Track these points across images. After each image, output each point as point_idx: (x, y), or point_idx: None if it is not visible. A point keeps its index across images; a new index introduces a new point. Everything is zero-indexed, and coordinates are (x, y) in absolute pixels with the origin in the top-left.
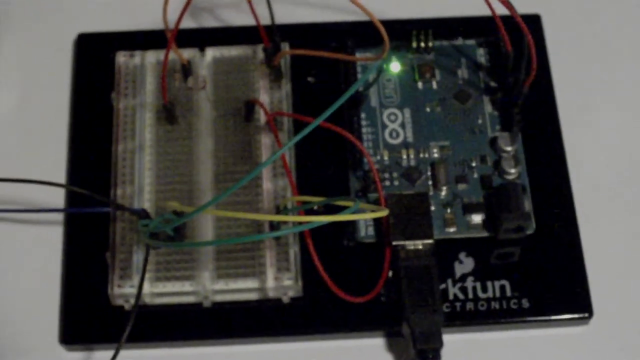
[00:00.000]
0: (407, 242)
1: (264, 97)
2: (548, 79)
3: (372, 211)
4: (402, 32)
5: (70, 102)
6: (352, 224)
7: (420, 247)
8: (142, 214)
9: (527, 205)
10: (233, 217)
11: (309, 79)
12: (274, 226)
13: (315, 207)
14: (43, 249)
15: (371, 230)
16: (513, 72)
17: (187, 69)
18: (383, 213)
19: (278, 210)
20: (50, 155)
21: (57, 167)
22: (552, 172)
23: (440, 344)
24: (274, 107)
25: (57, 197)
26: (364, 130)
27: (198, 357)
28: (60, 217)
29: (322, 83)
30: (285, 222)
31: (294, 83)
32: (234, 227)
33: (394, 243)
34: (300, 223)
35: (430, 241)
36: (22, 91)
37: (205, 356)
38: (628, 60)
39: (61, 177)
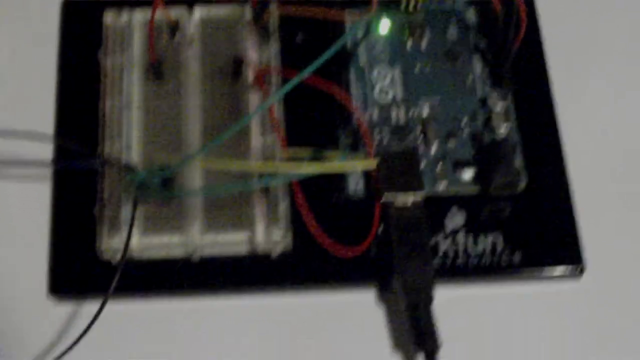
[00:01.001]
0: (397, 196)
1: (252, 56)
2: (537, 37)
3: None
4: None
5: (57, 60)
6: (341, 180)
7: (411, 200)
8: (130, 169)
9: (518, 161)
10: (221, 172)
11: (298, 38)
12: (264, 188)
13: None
14: (31, 204)
15: (360, 186)
16: (503, 31)
17: (174, 28)
18: (372, 163)
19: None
20: (37, 113)
21: (44, 125)
22: (542, 129)
23: (431, 296)
24: (262, 66)
25: (45, 152)
26: (353, 88)
27: (186, 311)
28: (48, 172)
29: (310, 42)
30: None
31: (282, 42)
32: (222, 181)
33: (384, 197)
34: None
35: (420, 194)
36: (9, 49)
37: (193, 309)
38: (620, 17)
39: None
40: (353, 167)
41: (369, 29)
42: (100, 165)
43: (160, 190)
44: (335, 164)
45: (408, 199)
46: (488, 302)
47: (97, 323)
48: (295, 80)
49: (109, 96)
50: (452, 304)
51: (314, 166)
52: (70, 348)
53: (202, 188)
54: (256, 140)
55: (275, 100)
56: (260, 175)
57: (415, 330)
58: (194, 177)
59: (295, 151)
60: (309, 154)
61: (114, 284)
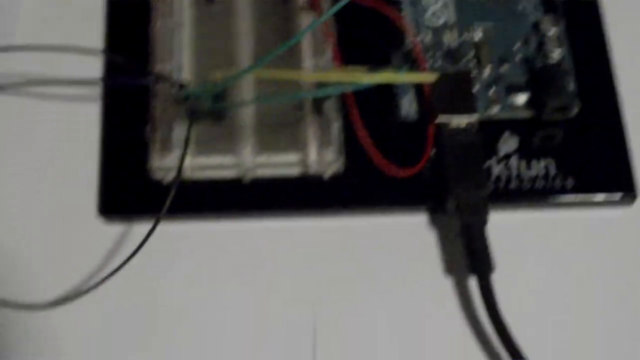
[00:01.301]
0: (451, 118)
1: None
2: None
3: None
4: None
5: None
6: (394, 103)
7: (465, 123)
8: (183, 85)
9: (571, 86)
10: (273, 89)
11: None
12: (317, 108)
13: None
14: (80, 123)
15: (413, 108)
16: None
17: None
18: (431, 77)
19: (320, 84)
20: (87, 29)
21: (94, 41)
22: (594, 55)
23: (486, 217)
24: None
25: (95, 70)
26: (404, 12)
27: (236, 232)
28: (98, 89)
29: None
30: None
31: None
32: (275, 107)
33: (439, 119)
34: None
35: (474, 116)
36: None
37: (244, 231)
38: None
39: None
40: (412, 79)
41: None
42: (153, 82)
43: (212, 105)
44: (393, 74)
45: (462, 121)
46: (540, 227)
47: (147, 244)
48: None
49: (160, 17)
50: (504, 228)
51: (371, 76)
52: (119, 267)
53: (253, 98)
54: (308, 61)
55: (328, 18)
56: (314, 105)
57: (469, 252)
58: (246, 93)
59: (348, 69)
60: (363, 71)
61: (167, 203)
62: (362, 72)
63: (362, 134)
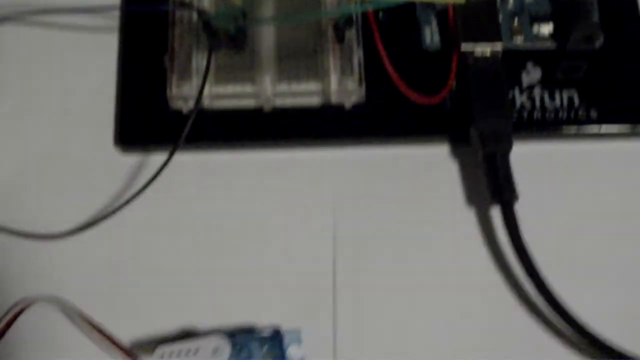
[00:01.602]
0: (475, 46)
1: None
2: None
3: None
4: None
5: None
6: (417, 32)
7: (489, 51)
8: (203, 11)
9: (596, 16)
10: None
11: None
12: (339, 36)
13: (380, 16)
14: (98, 51)
15: (437, 38)
16: None
17: None
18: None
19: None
20: None
21: None
22: None
23: (509, 145)
24: None
25: None
26: None
27: (256, 163)
28: (116, 17)
29: None
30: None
31: None
32: (295, 30)
33: (463, 47)
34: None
35: (498, 45)
36: None
37: (264, 162)
38: None
39: None
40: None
41: None
42: (172, 8)
43: (233, 30)
44: None
45: (486, 49)
46: (563, 159)
47: (164, 175)
48: None
49: None
50: (527, 160)
51: None
52: (134, 197)
53: (273, 17)
54: None
55: None
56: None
57: (492, 181)
58: (267, 30)
59: None
60: None
61: (185, 132)
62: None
63: (385, 59)
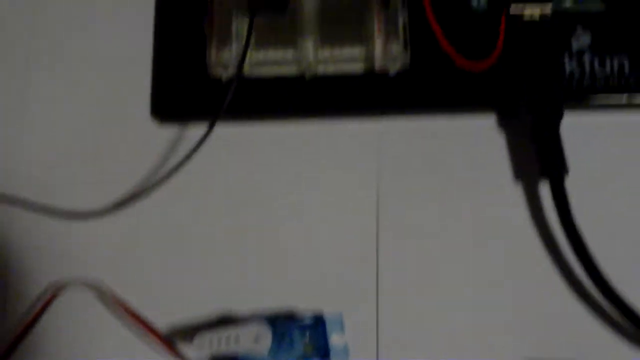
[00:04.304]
0: (524, 9)
1: None
2: None
3: None
4: None
5: None
6: None
7: (538, 14)
8: None
9: None
10: None
11: None
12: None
13: None
14: (134, 17)
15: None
16: None
17: None
18: None
19: None
20: None
21: None
22: None
23: (560, 115)
24: None
25: None
26: None
27: (297, 133)
28: None
29: None
30: None
31: None
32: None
33: (512, 9)
34: None
35: (548, 7)
36: None
37: (305, 132)
38: None
39: None
40: None
41: None
42: None
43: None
44: None
45: (535, 11)
46: (614, 129)
47: (204, 146)
48: None
49: None
50: (576, 130)
51: None
52: (172, 172)
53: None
54: None
55: None
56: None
57: (541, 153)
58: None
59: None
60: None
61: (226, 103)
62: None
63: (432, 20)
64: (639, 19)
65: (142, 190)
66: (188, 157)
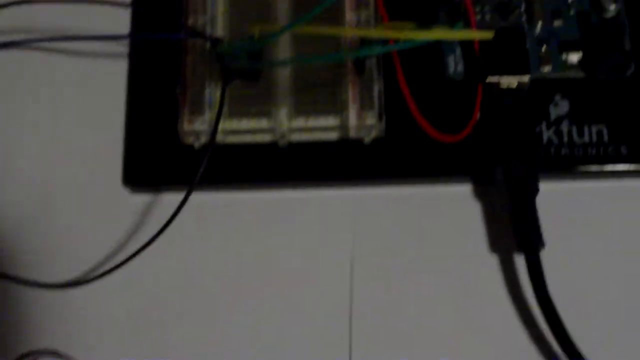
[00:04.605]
0: (501, 79)
1: None
2: None
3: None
4: None
5: None
6: (440, 61)
7: (516, 84)
8: (216, 40)
9: (627, 44)
10: (313, 47)
11: None
12: (358, 68)
13: None
14: (106, 82)
15: (461, 67)
16: None
17: None
18: (488, 35)
19: (362, 41)
20: None
21: None
22: None
23: (536, 189)
24: None
25: (123, 23)
26: None
27: (272, 201)
28: (125, 46)
29: None
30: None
31: None
32: (313, 67)
33: (488, 79)
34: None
35: (526, 77)
36: None
37: (280, 200)
38: None
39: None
40: (468, 37)
41: None
42: (184, 36)
43: (248, 63)
44: (446, 31)
45: (513, 81)
46: (592, 197)
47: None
48: None
49: None
50: (553, 198)
51: (422, 33)
52: (146, 245)
53: (291, 58)
54: (350, 15)
55: None
56: (356, 64)
57: (517, 227)
58: (283, 51)
59: (394, 25)
60: (410, 27)
61: (200, 172)
62: (411, 28)
63: (408, 96)
64: (619, 86)
65: (114, 264)
66: (161, 231)
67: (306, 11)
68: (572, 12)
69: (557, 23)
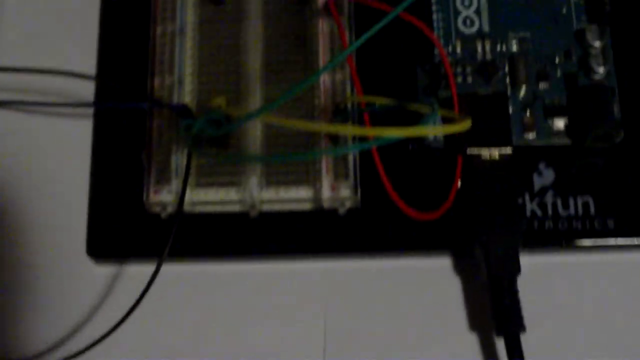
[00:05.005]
0: (482, 151)
1: None
2: None
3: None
4: None
5: None
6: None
7: (497, 156)
8: (183, 112)
9: (617, 110)
10: (285, 95)
11: None
12: (332, 136)
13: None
14: (70, 147)
15: (440, 135)
16: None
17: None
18: (465, 125)
19: (337, 109)
20: (80, 37)
21: (87, 51)
22: None
23: (517, 270)
24: None
25: (87, 89)
26: (434, 17)
27: (242, 274)
28: (89, 111)
29: None
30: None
31: None
32: (285, 136)
33: (468, 151)
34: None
35: (508, 149)
36: None
37: (250, 272)
38: None
39: (92, 63)
40: (445, 131)
41: None
42: (149, 107)
43: (215, 139)
44: (422, 128)
45: (494, 154)
46: (577, 272)
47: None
48: (374, 30)
49: (160, 21)
50: (538, 272)
51: (395, 131)
52: (115, 327)
53: (260, 157)
54: (325, 77)
55: (349, 52)
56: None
57: (497, 309)
58: (254, 127)
59: (370, 99)
60: (385, 102)
61: (169, 244)
62: (384, 103)
63: (383, 176)
64: (607, 154)
65: (77, 349)
66: (130, 312)
67: (276, 71)
68: (559, 74)
69: (543, 86)
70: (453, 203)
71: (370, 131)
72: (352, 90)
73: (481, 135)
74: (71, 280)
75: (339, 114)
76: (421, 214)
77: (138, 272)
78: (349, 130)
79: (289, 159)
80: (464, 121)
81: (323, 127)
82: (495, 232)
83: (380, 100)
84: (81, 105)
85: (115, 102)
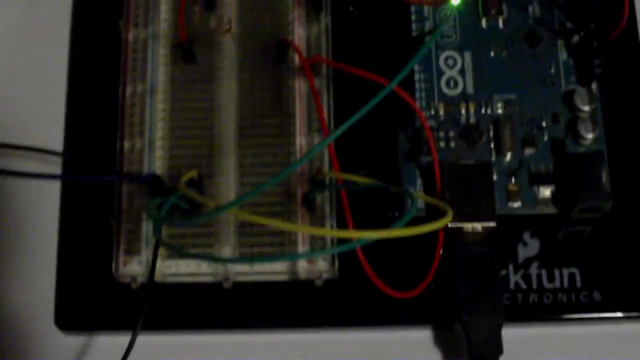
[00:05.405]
0: (464, 224)
1: (299, 32)
2: (635, 27)
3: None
4: None
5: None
6: (400, 198)
7: (480, 230)
8: (153, 182)
9: (606, 179)
10: (259, 187)
11: (351, 8)
12: (307, 200)
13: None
14: (38, 218)
15: (422, 204)
16: (596, 14)
17: (208, 1)
18: (447, 220)
19: (313, 180)
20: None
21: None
22: (634, 139)
23: (499, 350)
24: (310, 43)
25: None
26: (415, 77)
27: (216, 346)
28: (57, 185)
29: (366, 14)
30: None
31: (333, 15)
32: (261, 198)
33: (450, 224)
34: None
35: (491, 224)
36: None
37: (225, 344)
38: None
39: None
40: (426, 230)
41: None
42: (117, 181)
43: (186, 211)
44: (402, 229)
45: (477, 228)
46: (563, 345)
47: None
48: (356, 117)
49: (130, 82)
50: (523, 346)
51: (373, 233)
52: None
53: (240, 258)
54: (301, 140)
55: (329, 142)
56: (305, 197)
57: None
58: (227, 194)
59: (347, 177)
60: (364, 182)
61: (142, 318)
62: (361, 182)
63: (362, 259)
64: (595, 224)
65: None
66: None
67: (251, 135)
68: (546, 138)
69: (529, 152)
70: (434, 277)
71: (352, 234)
72: (329, 166)
73: (463, 209)
74: (40, 350)
75: (316, 184)
76: (399, 292)
77: (108, 342)
78: (328, 232)
79: (261, 261)
80: (446, 218)
81: (299, 228)
82: (477, 312)
83: (359, 179)
84: (48, 177)
85: (83, 176)
